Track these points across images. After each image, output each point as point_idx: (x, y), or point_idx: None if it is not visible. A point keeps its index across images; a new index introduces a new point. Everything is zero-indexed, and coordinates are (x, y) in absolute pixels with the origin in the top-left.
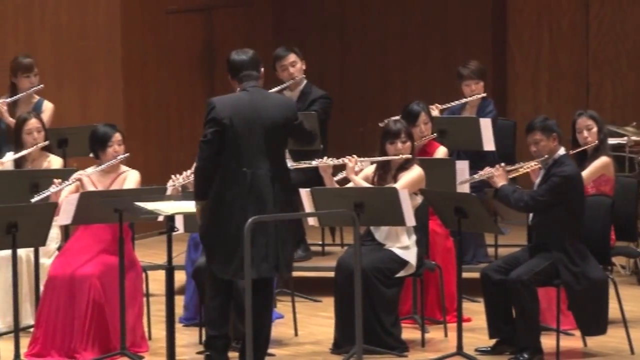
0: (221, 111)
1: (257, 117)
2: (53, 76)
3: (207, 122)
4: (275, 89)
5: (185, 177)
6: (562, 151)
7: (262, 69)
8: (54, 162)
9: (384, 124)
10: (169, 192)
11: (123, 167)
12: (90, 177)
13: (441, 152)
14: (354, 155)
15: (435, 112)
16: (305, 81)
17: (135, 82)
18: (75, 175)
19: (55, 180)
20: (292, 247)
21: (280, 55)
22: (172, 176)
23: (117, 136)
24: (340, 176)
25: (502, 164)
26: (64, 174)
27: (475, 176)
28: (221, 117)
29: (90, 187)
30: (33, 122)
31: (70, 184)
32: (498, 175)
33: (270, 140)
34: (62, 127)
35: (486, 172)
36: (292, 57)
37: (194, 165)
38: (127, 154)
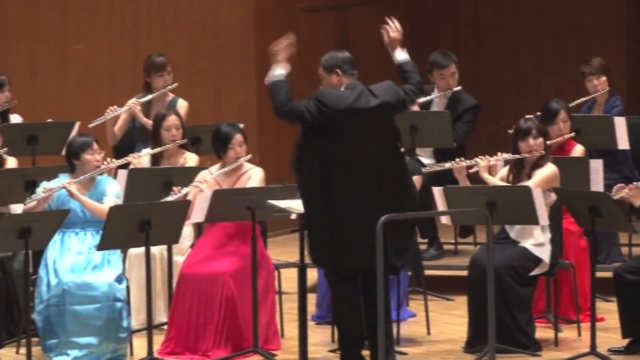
0: (330, 102)
1: (366, 109)
2: (187, 75)
3: (315, 106)
4: (428, 97)
5: None
6: None
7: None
8: (190, 159)
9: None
10: None
11: (247, 165)
12: (215, 178)
13: (578, 150)
14: (486, 155)
15: None
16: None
17: None
18: (200, 177)
19: (175, 188)
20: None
21: (442, 64)
22: None
23: (238, 137)
24: None
25: (636, 183)
26: (196, 172)
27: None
28: (329, 108)
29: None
30: (172, 119)
31: (194, 189)
32: (633, 195)
33: (380, 132)
34: (195, 125)
35: (622, 192)
36: (453, 68)
37: None
38: (249, 155)
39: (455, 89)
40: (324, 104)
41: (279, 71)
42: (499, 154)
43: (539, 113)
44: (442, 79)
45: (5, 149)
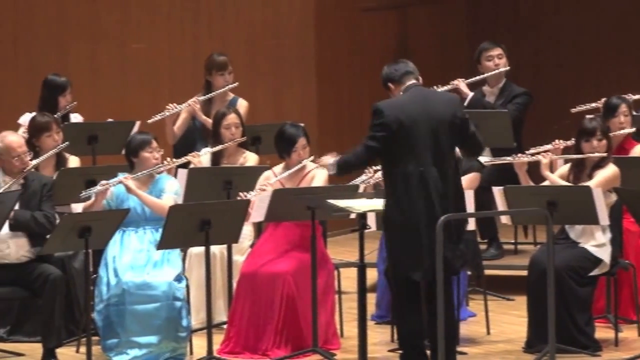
0: (388, 115)
1: (424, 115)
2: (247, 74)
3: (374, 126)
4: (475, 78)
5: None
6: None
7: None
8: (250, 158)
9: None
10: (361, 189)
11: (310, 166)
12: (279, 180)
13: (638, 150)
14: (549, 152)
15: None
16: (504, 79)
17: (329, 80)
18: (263, 178)
19: (241, 193)
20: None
21: (487, 47)
22: (366, 170)
23: (302, 141)
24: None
25: None
26: (256, 172)
27: None
28: (389, 121)
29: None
30: (232, 118)
31: (254, 194)
32: None
33: (438, 138)
34: (255, 125)
35: None
36: (499, 50)
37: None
38: (312, 157)
39: (503, 68)
40: (381, 116)
41: (329, 159)
42: (558, 141)
43: (594, 104)
44: (490, 60)
45: (67, 142)
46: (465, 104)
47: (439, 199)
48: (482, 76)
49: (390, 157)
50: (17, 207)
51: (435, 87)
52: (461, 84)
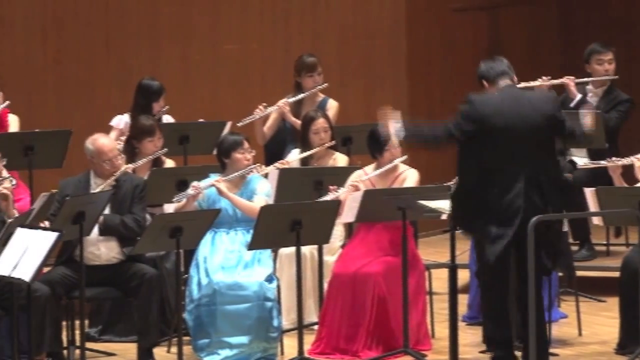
0: (478, 108)
1: (517, 114)
2: (338, 75)
3: (462, 114)
4: (582, 80)
5: None
6: None
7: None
8: (340, 160)
9: None
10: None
11: (402, 167)
12: (370, 179)
13: None
14: None
15: None
16: (609, 82)
17: (420, 80)
18: (355, 177)
19: (331, 187)
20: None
21: (599, 49)
22: None
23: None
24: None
25: None
26: (347, 172)
27: None
28: (480, 114)
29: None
30: (320, 122)
31: (345, 190)
32: None
33: (532, 137)
34: (346, 125)
35: None
36: (610, 55)
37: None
38: (404, 156)
39: (611, 76)
40: (472, 107)
41: (396, 125)
42: None
43: None
44: (600, 64)
45: (166, 149)
46: (572, 104)
47: (528, 197)
48: (590, 79)
49: (475, 152)
50: (107, 209)
51: (542, 78)
52: (571, 84)
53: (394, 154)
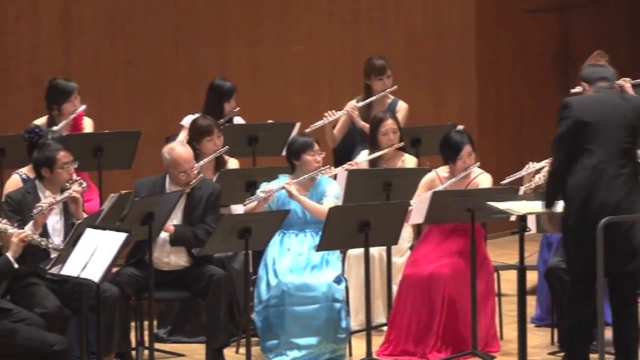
0: (578, 110)
1: (614, 116)
2: (407, 76)
3: (562, 119)
4: (636, 81)
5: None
6: None
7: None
8: (409, 161)
9: None
10: (521, 192)
11: (476, 171)
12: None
13: None
14: None
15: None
16: None
17: (489, 81)
18: (428, 180)
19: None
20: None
21: None
22: (530, 162)
23: (468, 148)
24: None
25: None
26: (416, 174)
27: None
28: (578, 116)
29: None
30: (389, 123)
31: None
32: None
33: (626, 139)
34: (415, 127)
35: None
36: None
37: (548, 166)
38: (477, 163)
39: None
40: (569, 110)
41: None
42: None
43: None
44: None
45: (227, 147)
46: None
47: (615, 197)
48: None
49: (573, 152)
50: (179, 215)
51: None
52: (627, 84)
53: (467, 163)
